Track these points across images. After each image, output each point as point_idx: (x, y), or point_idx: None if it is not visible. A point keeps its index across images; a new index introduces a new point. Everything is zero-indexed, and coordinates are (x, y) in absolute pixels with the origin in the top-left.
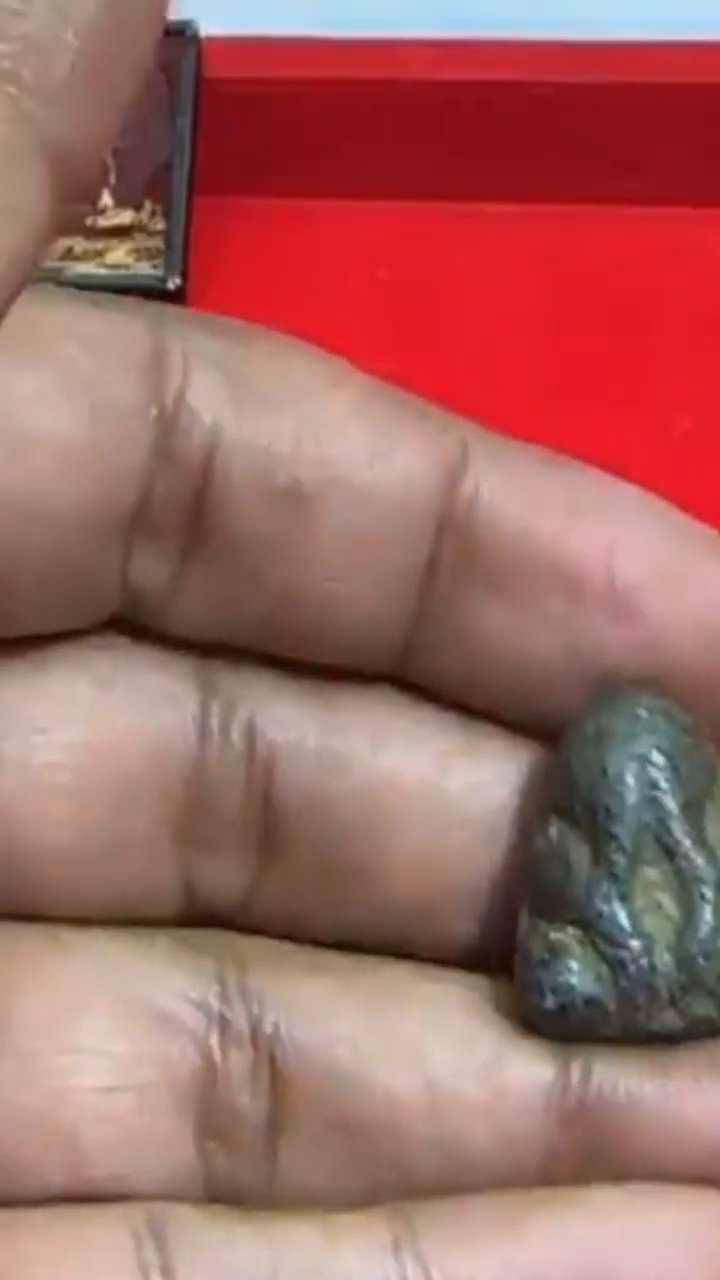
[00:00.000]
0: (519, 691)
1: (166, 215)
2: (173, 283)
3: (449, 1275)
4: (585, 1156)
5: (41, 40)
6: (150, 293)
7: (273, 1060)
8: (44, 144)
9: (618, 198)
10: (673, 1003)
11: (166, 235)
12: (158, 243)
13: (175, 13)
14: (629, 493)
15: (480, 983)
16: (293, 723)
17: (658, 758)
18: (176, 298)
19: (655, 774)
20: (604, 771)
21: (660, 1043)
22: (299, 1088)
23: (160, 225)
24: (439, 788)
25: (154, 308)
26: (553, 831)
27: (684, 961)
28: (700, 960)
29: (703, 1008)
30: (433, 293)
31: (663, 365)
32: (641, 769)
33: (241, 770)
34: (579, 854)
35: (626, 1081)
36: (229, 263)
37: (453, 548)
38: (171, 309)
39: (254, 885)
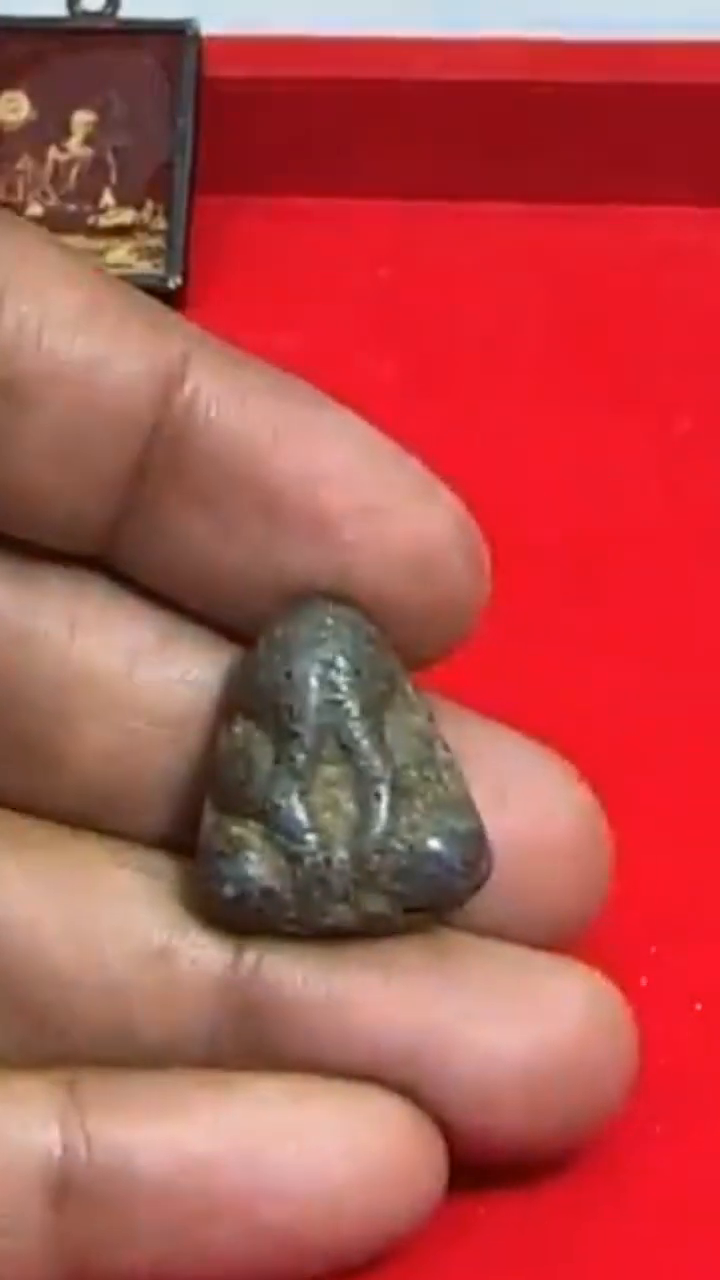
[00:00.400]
0: (215, 597)
1: (167, 214)
2: (174, 282)
3: (109, 1145)
4: (248, 1048)
5: None
6: (151, 292)
7: None
8: None
9: (619, 197)
10: (347, 898)
11: (167, 234)
12: (159, 242)
13: (176, 11)
14: (352, 424)
15: (170, 869)
16: None
17: (341, 662)
18: (178, 297)
19: (337, 677)
20: (288, 674)
21: (334, 938)
22: None
23: (161, 224)
24: (129, 680)
25: None
26: (238, 730)
27: (359, 858)
28: (374, 857)
29: (375, 904)
30: (434, 291)
31: (663, 365)
32: (324, 672)
33: None
34: (262, 752)
35: (293, 977)
36: (230, 261)
37: (162, 454)
38: None
39: None
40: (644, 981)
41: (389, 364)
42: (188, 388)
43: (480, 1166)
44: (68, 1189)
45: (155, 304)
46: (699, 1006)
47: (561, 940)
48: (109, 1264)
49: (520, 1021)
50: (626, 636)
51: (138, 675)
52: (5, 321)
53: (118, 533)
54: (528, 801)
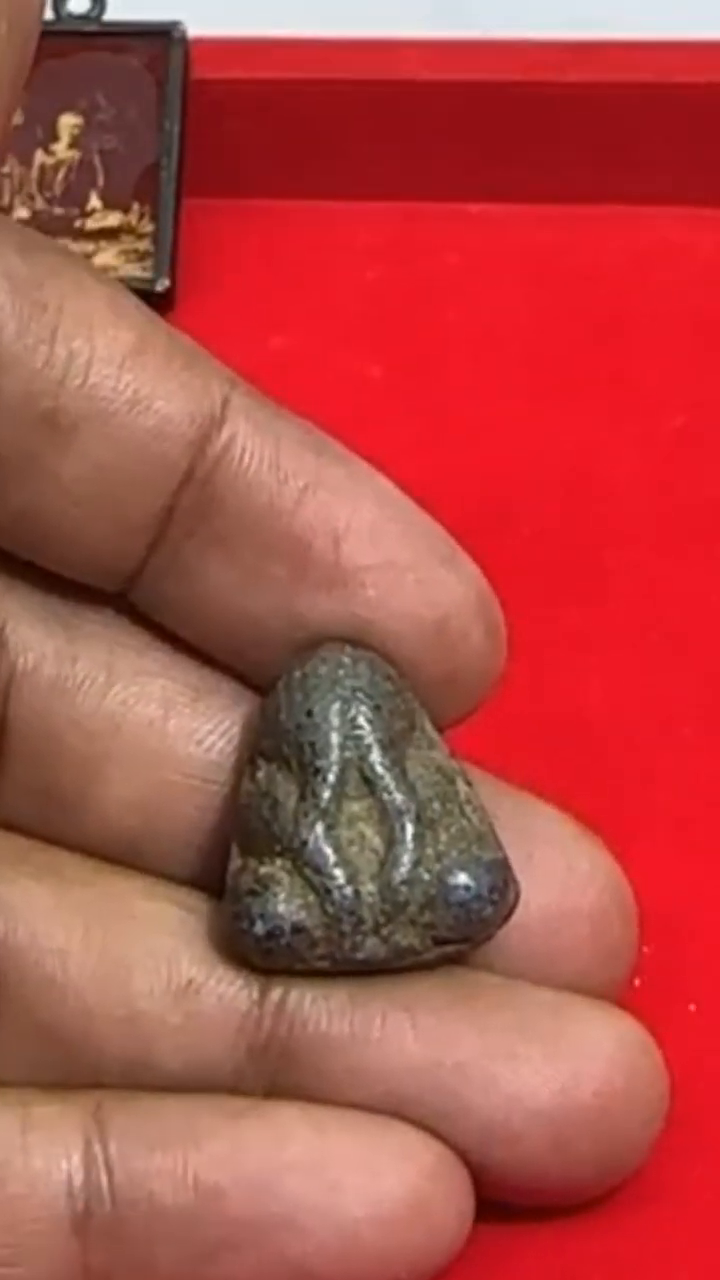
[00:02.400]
0: (234, 646)
1: (155, 217)
2: (161, 284)
3: (129, 1174)
4: (272, 1084)
5: None
6: (139, 294)
7: None
8: None
9: (609, 197)
10: (376, 930)
11: (155, 237)
12: (146, 245)
13: (162, 13)
14: (376, 482)
15: (202, 906)
16: (35, 645)
17: (361, 698)
18: (165, 299)
19: (358, 713)
20: (309, 712)
21: (364, 975)
22: (8, 988)
23: (148, 227)
24: (161, 731)
25: None
26: (260, 775)
27: (387, 891)
28: (402, 889)
29: (405, 937)
30: (423, 293)
31: (655, 363)
32: (345, 708)
33: None
34: (286, 792)
35: (317, 1014)
36: (218, 264)
37: (191, 497)
38: None
39: None
40: (637, 982)
41: (377, 366)
42: (224, 434)
43: (508, 1206)
44: (89, 1217)
45: (194, 346)
46: (693, 1007)
47: None
48: None
49: (547, 1062)
50: (620, 633)
51: (170, 726)
52: (56, 354)
53: (144, 575)
54: (554, 870)
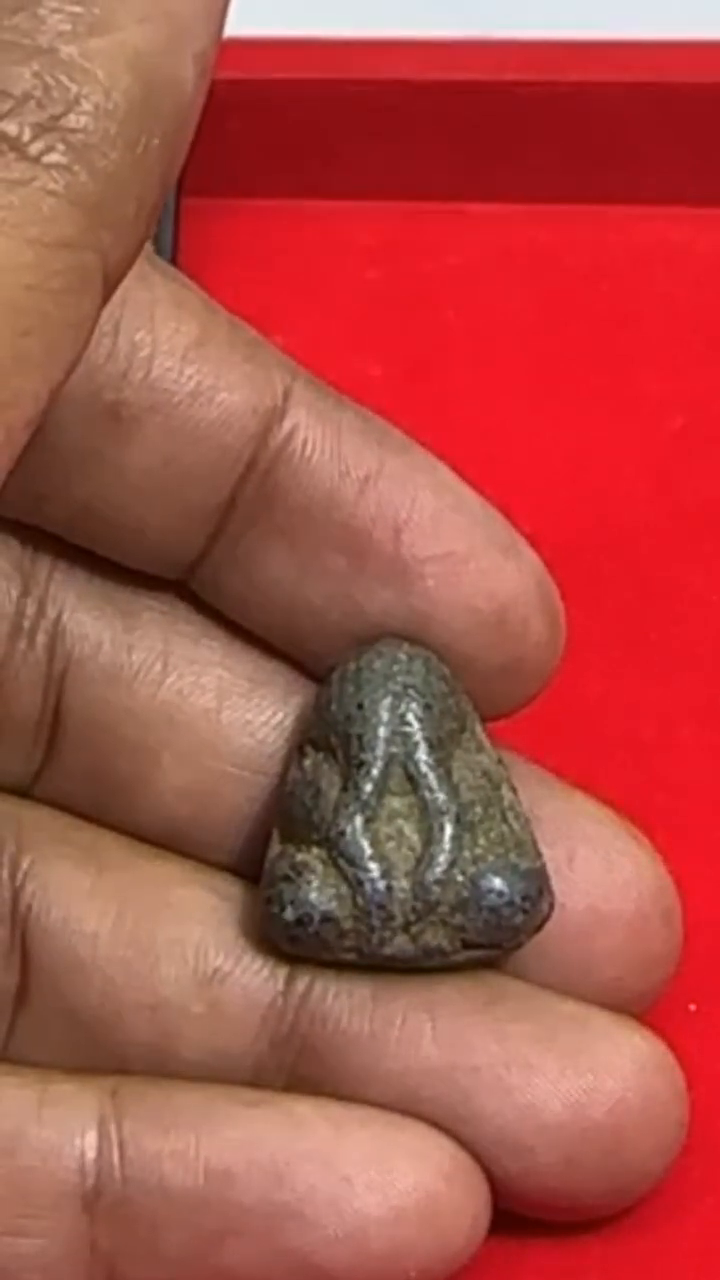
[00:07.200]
0: (292, 635)
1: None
2: None
3: (141, 1155)
4: (290, 1077)
5: (124, 182)
6: None
7: (24, 939)
8: (105, 271)
9: (609, 197)
10: (406, 928)
11: (155, 237)
12: (146, 245)
13: None
14: (436, 472)
15: (238, 893)
16: (92, 633)
17: (413, 696)
18: None
19: (408, 710)
20: (360, 705)
21: (391, 973)
22: (40, 970)
23: None
24: (215, 720)
25: None
26: (307, 763)
27: (420, 889)
28: (435, 888)
29: (435, 937)
30: (423, 292)
31: (654, 364)
32: (396, 704)
33: (40, 674)
34: (330, 782)
35: (338, 1011)
36: (218, 264)
37: (253, 489)
38: None
39: (34, 780)
40: (693, 1008)
41: (377, 366)
42: (286, 425)
43: (523, 1217)
44: (100, 1195)
45: (256, 337)
46: (693, 1007)
47: (624, 1011)
48: (134, 1276)
49: (562, 1075)
50: (620, 633)
51: (224, 716)
52: (119, 347)
53: (203, 564)
54: (593, 873)
